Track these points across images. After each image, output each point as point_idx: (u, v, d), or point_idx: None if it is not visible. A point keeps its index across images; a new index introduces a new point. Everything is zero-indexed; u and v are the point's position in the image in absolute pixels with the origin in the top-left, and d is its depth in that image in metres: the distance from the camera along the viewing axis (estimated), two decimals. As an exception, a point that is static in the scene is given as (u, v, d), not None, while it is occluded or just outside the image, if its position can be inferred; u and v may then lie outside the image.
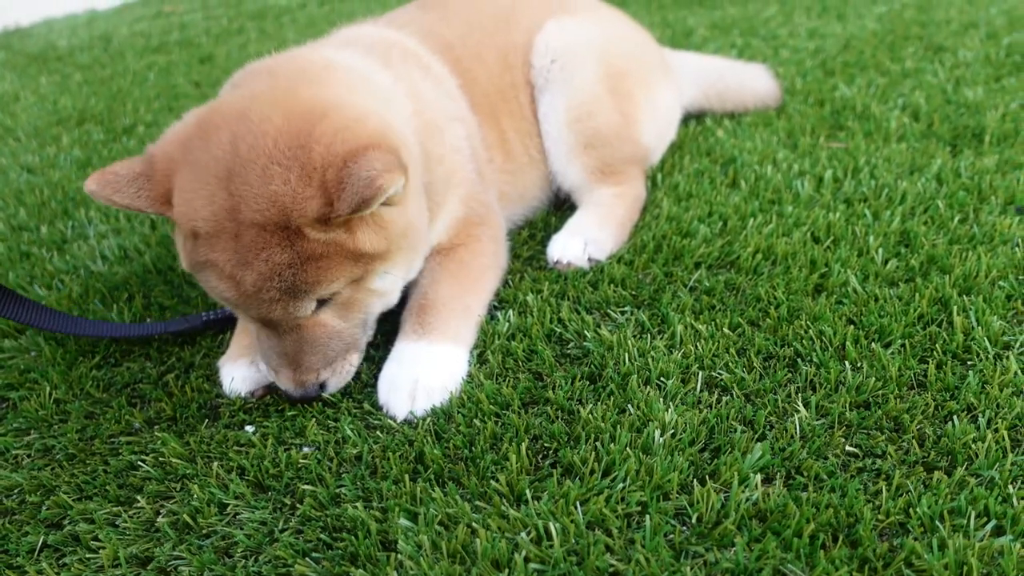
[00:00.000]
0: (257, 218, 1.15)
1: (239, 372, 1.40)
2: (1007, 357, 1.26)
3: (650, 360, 1.33)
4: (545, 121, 1.84)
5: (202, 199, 1.18)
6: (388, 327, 1.47)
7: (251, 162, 1.16)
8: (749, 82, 2.29)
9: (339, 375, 1.34)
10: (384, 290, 1.34)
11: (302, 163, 1.16)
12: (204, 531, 1.13)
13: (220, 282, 1.22)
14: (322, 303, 1.28)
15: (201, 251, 1.21)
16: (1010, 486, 1.04)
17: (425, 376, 1.33)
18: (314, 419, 1.32)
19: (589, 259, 1.66)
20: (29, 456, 1.32)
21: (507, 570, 0.99)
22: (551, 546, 1.01)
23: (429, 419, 1.28)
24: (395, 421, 1.29)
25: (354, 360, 1.36)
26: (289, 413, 1.34)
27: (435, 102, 1.55)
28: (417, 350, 1.37)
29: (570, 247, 1.68)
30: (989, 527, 0.99)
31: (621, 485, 1.09)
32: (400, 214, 1.28)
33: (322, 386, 1.32)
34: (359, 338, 1.36)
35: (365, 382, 1.40)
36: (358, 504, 1.12)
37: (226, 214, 1.17)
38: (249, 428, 1.33)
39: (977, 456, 1.08)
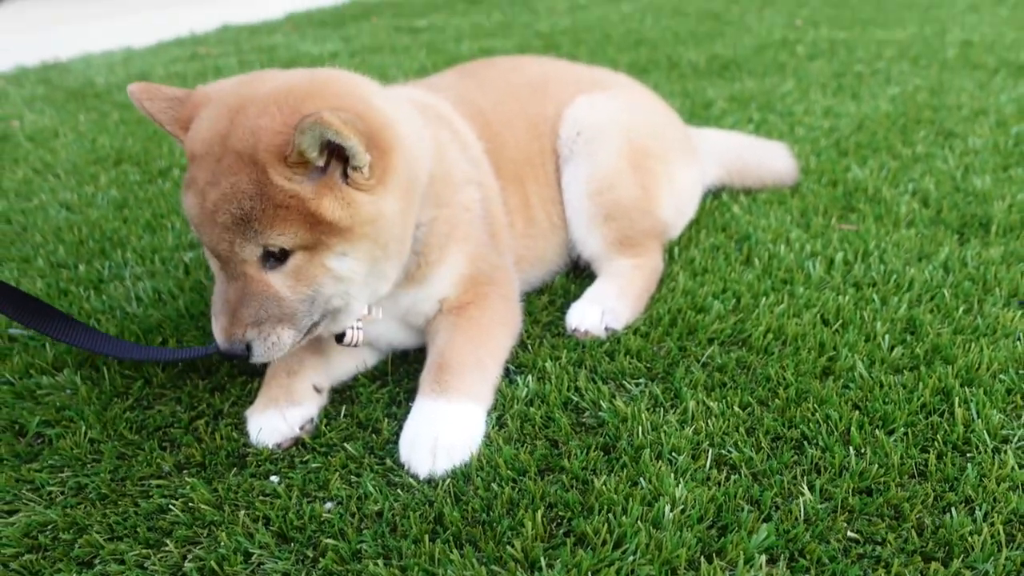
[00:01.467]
0: (238, 146, 1.26)
1: (267, 423, 1.46)
2: (1005, 451, 1.31)
3: (663, 434, 1.39)
4: (568, 190, 1.92)
5: (208, 124, 1.31)
6: (411, 384, 1.53)
7: (260, 100, 1.29)
8: (769, 161, 2.37)
9: (265, 343, 1.35)
10: (340, 273, 1.36)
11: (293, 110, 1.27)
12: (232, 579, 1.18)
13: (192, 199, 1.31)
14: (273, 261, 1.32)
15: (190, 171, 1.32)
16: (1003, 579, 1.09)
17: (445, 435, 1.38)
18: (337, 473, 1.38)
19: (606, 328, 1.73)
20: (63, 493, 1.38)
21: (521, 634, 1.04)
22: (564, 613, 1.06)
23: (449, 480, 1.33)
24: (416, 480, 1.35)
25: (284, 335, 1.36)
26: (313, 465, 1.40)
27: (456, 162, 1.63)
28: (436, 408, 1.43)
29: (588, 316, 1.74)
30: (981, 619, 1.04)
31: (632, 558, 1.14)
32: (370, 202, 1.33)
33: (248, 348, 1.34)
34: (299, 315, 1.36)
35: (387, 438, 1.46)
36: (379, 561, 1.18)
37: (219, 139, 1.29)
38: (274, 478, 1.38)
39: (973, 549, 1.14)
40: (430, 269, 1.56)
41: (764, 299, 1.79)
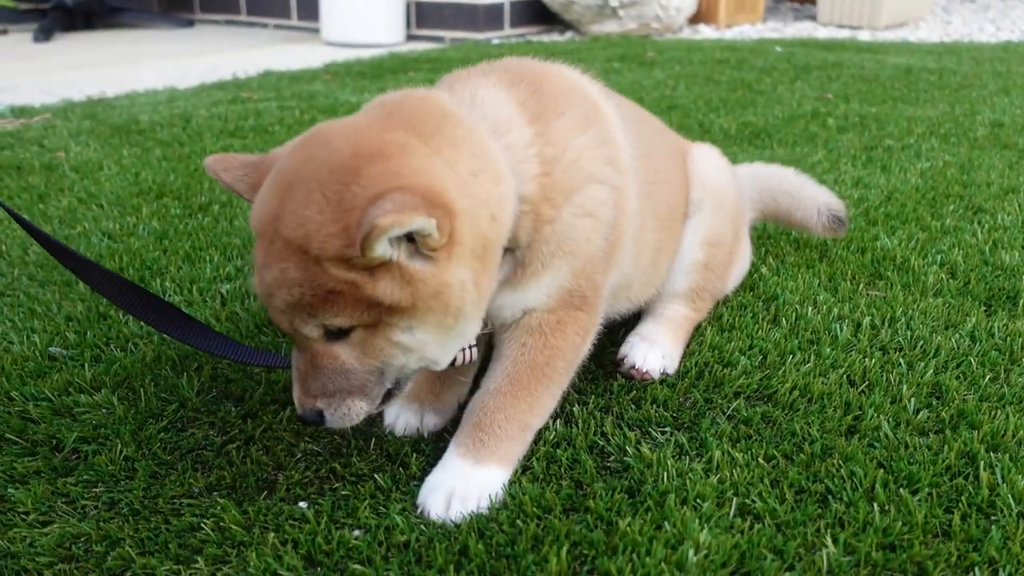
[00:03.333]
0: (287, 233, 1.22)
1: (405, 416, 1.60)
2: (1030, 516, 1.32)
3: (687, 481, 1.41)
4: (687, 237, 1.93)
5: (263, 201, 1.29)
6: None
7: (305, 183, 1.23)
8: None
9: (336, 413, 1.33)
10: (410, 345, 1.31)
11: (339, 199, 1.20)
12: (259, 597, 1.20)
13: (255, 275, 1.30)
14: (337, 335, 1.29)
15: (256, 244, 1.31)
16: (1026, 640, 1.09)
17: (461, 489, 1.40)
18: (366, 502, 1.40)
19: (663, 372, 1.78)
20: (96, 507, 1.40)
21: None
22: (587, 648, 1.07)
23: (474, 517, 1.35)
24: (430, 519, 1.38)
25: (356, 406, 1.34)
26: (343, 493, 1.42)
27: (577, 161, 1.48)
28: (464, 468, 1.44)
29: (651, 358, 1.78)
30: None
31: (656, 597, 1.15)
32: (434, 274, 1.25)
33: (320, 415, 1.33)
34: (370, 385, 1.34)
35: (414, 473, 1.48)
36: (405, 588, 1.19)
37: (270, 220, 1.25)
38: (303, 504, 1.41)
39: (996, 608, 1.14)
40: (529, 279, 1.48)
41: (791, 357, 1.81)
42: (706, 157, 2.03)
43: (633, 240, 1.64)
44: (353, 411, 1.34)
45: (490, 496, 1.40)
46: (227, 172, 1.38)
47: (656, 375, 1.76)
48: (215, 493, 1.44)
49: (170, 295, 2.13)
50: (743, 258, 2.16)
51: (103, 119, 4.10)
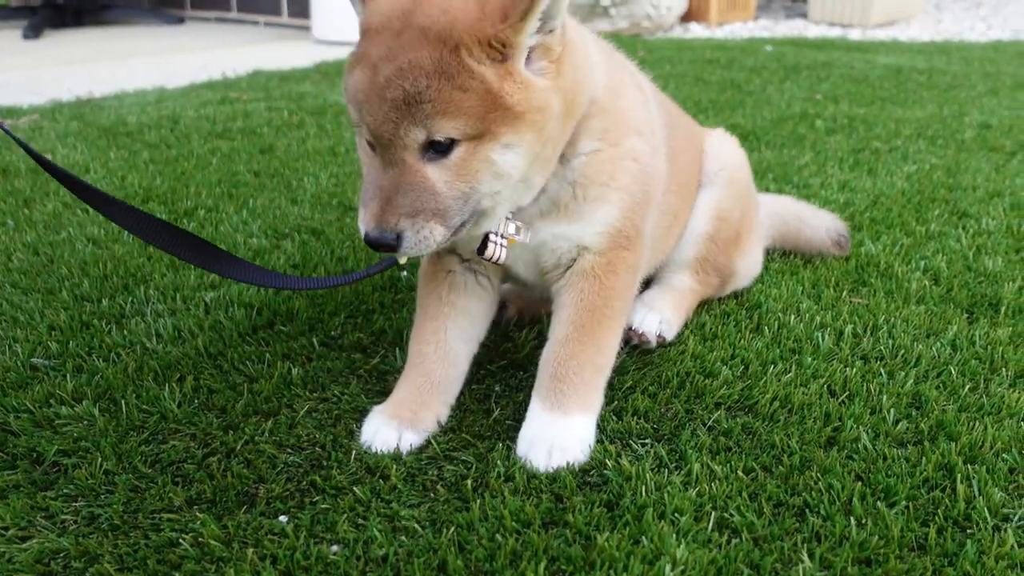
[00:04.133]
0: (425, 22, 1.28)
1: (383, 434, 1.58)
2: (1005, 530, 1.33)
3: (666, 495, 1.41)
4: (698, 209, 2.04)
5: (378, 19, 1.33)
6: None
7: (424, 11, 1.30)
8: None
9: (417, 235, 1.35)
10: (500, 168, 1.37)
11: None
12: (236, 615, 1.20)
13: (361, 73, 1.32)
14: (434, 153, 1.34)
15: (363, 44, 1.34)
16: (997, 657, 1.10)
17: (559, 439, 1.52)
18: (345, 515, 1.40)
19: (659, 336, 1.83)
20: (76, 522, 1.40)
21: None
22: (561, 667, 1.08)
23: (453, 529, 1.36)
24: (538, 472, 1.48)
25: (436, 232, 1.36)
26: (322, 507, 1.42)
27: (631, 108, 1.65)
28: (552, 420, 1.55)
29: (648, 320, 1.85)
30: None
31: (631, 615, 1.16)
32: (544, 91, 1.36)
33: (398, 237, 1.35)
34: (451, 211, 1.37)
35: (394, 484, 1.48)
36: (382, 605, 1.19)
37: (401, 14, 1.31)
38: (283, 518, 1.41)
39: (968, 624, 1.15)
40: (585, 205, 1.58)
41: (772, 367, 1.81)
42: (723, 139, 2.16)
43: (658, 202, 1.75)
44: (434, 235, 1.36)
45: (586, 440, 1.53)
46: None
47: (652, 338, 1.83)
48: (195, 507, 1.43)
49: (153, 303, 2.13)
50: (755, 257, 2.19)
51: (91, 120, 4.09)
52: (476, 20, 1.28)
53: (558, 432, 1.53)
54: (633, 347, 1.87)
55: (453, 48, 1.27)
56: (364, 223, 1.37)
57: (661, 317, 1.88)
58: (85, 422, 1.66)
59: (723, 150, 2.13)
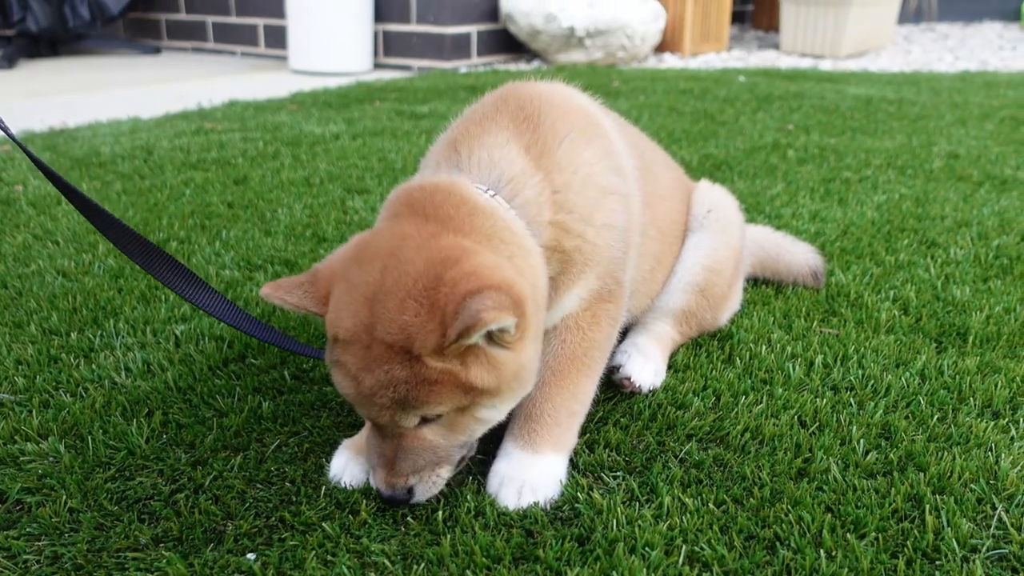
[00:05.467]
0: (387, 338, 1.33)
1: (351, 469, 1.58)
2: (974, 561, 1.33)
3: (637, 529, 1.41)
4: (687, 254, 2.06)
5: (348, 312, 1.38)
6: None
7: (393, 293, 1.35)
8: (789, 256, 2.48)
9: (426, 484, 1.46)
10: (489, 419, 1.47)
11: (432, 301, 1.33)
12: (201, 656, 1.18)
13: (345, 380, 1.40)
14: (427, 420, 1.42)
15: (336, 351, 1.41)
16: None
17: (531, 480, 1.52)
18: (314, 552, 1.39)
19: (651, 387, 1.85)
20: (38, 563, 1.38)
21: None
22: None
23: (423, 565, 1.35)
24: (507, 509, 1.48)
25: (443, 473, 1.47)
26: (291, 543, 1.41)
27: (588, 180, 1.64)
28: (523, 458, 1.56)
29: (646, 373, 1.86)
30: None
31: (600, 652, 1.15)
32: (513, 358, 1.41)
33: (410, 491, 1.45)
34: (454, 455, 1.48)
35: (364, 519, 1.47)
36: (350, 645, 1.18)
37: (364, 328, 1.36)
38: (251, 556, 1.39)
39: (937, 658, 1.15)
40: (561, 295, 1.63)
41: (743, 398, 1.82)
42: (713, 187, 2.20)
43: (637, 246, 1.78)
44: (441, 477, 1.48)
45: (557, 480, 1.54)
46: (290, 295, 1.45)
47: (646, 389, 1.84)
48: (161, 545, 1.42)
49: (123, 337, 2.11)
50: (737, 301, 2.22)
51: (64, 151, 4.07)
52: (428, 333, 1.32)
53: (529, 471, 1.54)
54: (608, 383, 1.87)
55: (417, 358, 1.33)
56: (377, 484, 1.48)
57: (656, 368, 1.90)
58: (50, 459, 1.63)
59: (713, 196, 2.16)
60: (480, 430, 1.49)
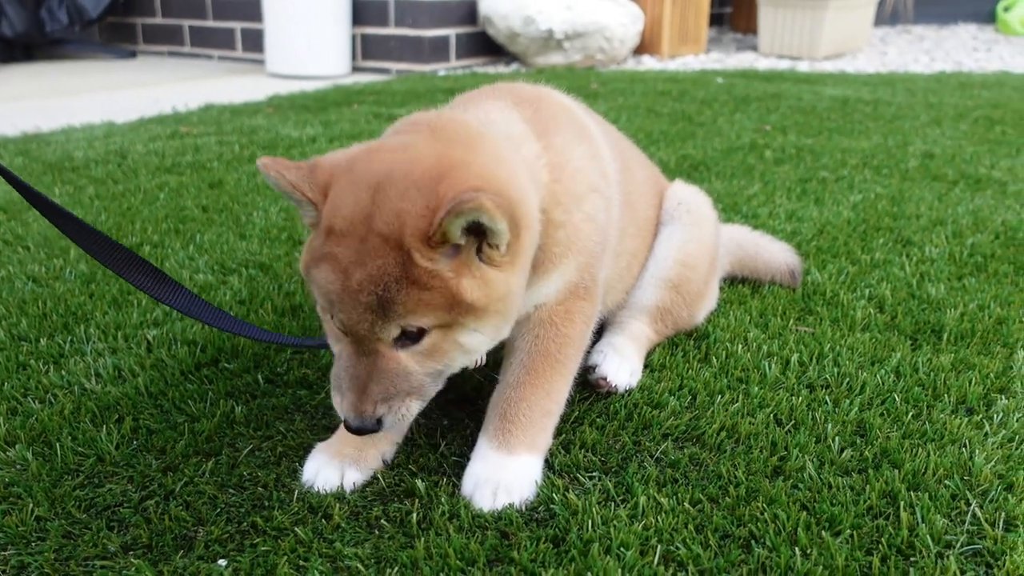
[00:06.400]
0: (384, 228, 1.30)
1: (325, 473, 1.56)
2: (947, 556, 1.33)
3: (612, 529, 1.40)
4: (659, 247, 2.05)
5: (350, 200, 1.34)
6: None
7: (398, 182, 1.33)
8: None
9: (395, 414, 1.41)
10: (469, 347, 1.42)
11: (431, 191, 1.31)
12: (169, 665, 1.16)
13: (333, 274, 1.34)
14: (406, 339, 1.37)
15: (329, 244, 1.35)
16: None
17: (505, 481, 1.51)
18: (285, 557, 1.37)
19: (627, 387, 1.84)
20: (4, 572, 1.35)
21: None
22: None
23: (397, 568, 1.33)
24: (482, 511, 1.47)
25: (413, 406, 1.43)
26: (262, 549, 1.39)
27: (579, 172, 1.63)
28: (499, 459, 1.55)
29: (622, 373, 1.85)
30: None
31: (574, 654, 1.14)
32: (503, 279, 1.38)
33: (379, 421, 1.40)
34: (426, 387, 1.44)
35: (337, 523, 1.45)
36: (321, 650, 1.16)
37: (363, 218, 1.32)
38: (222, 562, 1.37)
39: (911, 654, 1.14)
40: (540, 278, 1.60)
41: (719, 397, 1.82)
42: (687, 186, 2.20)
43: (613, 248, 1.77)
44: (411, 410, 1.43)
45: (531, 481, 1.53)
46: (290, 171, 1.38)
47: (623, 389, 1.83)
48: (130, 553, 1.39)
49: (93, 342, 2.08)
50: (713, 299, 2.21)
51: (36, 156, 4.02)
52: (419, 218, 1.30)
53: (504, 472, 1.52)
54: (584, 383, 1.87)
55: (407, 253, 1.30)
56: (343, 412, 1.41)
57: (632, 368, 1.88)
58: (18, 467, 1.61)
59: (685, 192, 2.16)
60: (459, 360, 1.44)
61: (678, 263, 2.02)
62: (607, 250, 1.72)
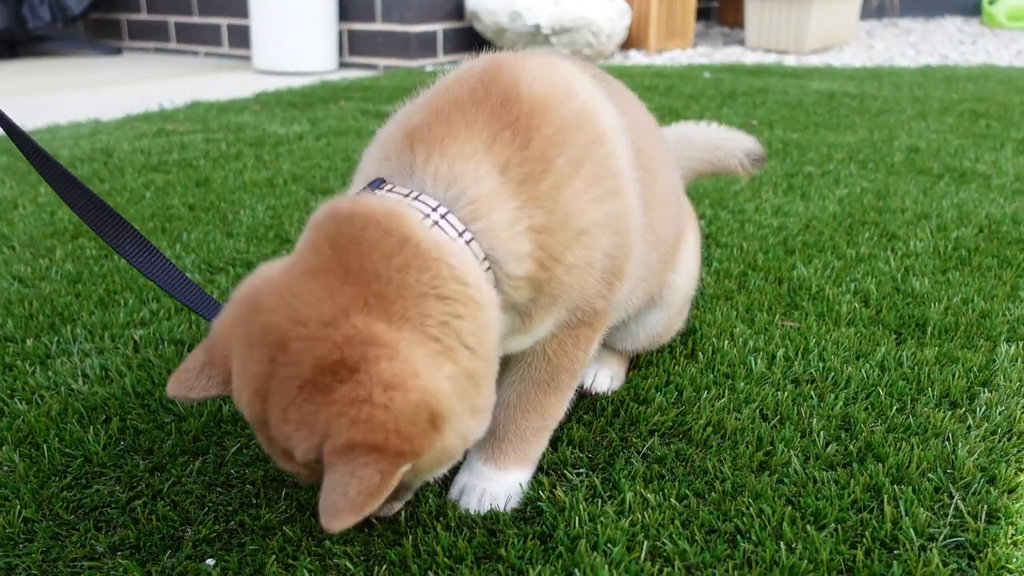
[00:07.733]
0: (281, 444, 1.20)
1: None
2: (931, 549, 1.35)
3: (599, 525, 1.41)
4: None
5: (244, 401, 1.23)
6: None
7: (278, 395, 1.17)
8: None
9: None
10: (408, 483, 1.37)
11: (312, 421, 1.15)
12: (157, 665, 1.17)
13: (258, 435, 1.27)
14: None
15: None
16: None
17: (492, 490, 1.52)
18: (274, 556, 1.37)
19: (610, 391, 1.85)
20: (-9, 574, 1.36)
21: None
22: None
23: (386, 567, 1.34)
24: (469, 511, 1.48)
25: (394, 508, 1.45)
26: (251, 548, 1.39)
27: (571, 216, 1.36)
28: (486, 472, 1.54)
29: (601, 378, 1.86)
30: None
31: (561, 650, 1.15)
32: (427, 457, 1.21)
33: None
34: (401, 494, 1.44)
35: (326, 523, 1.45)
36: (309, 649, 1.17)
37: (259, 422, 1.22)
38: (210, 561, 1.38)
39: (894, 647, 1.16)
40: (534, 325, 1.45)
41: (706, 392, 1.83)
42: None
43: (641, 254, 1.58)
44: (393, 511, 1.46)
45: (516, 494, 1.52)
46: (193, 391, 1.29)
47: (607, 391, 1.85)
48: (118, 554, 1.39)
49: (80, 343, 2.08)
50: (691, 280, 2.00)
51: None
52: (308, 452, 1.18)
53: (491, 483, 1.52)
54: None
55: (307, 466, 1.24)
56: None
57: (612, 372, 1.89)
58: (4, 468, 1.60)
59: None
60: (419, 482, 1.41)
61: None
62: (625, 266, 1.49)
